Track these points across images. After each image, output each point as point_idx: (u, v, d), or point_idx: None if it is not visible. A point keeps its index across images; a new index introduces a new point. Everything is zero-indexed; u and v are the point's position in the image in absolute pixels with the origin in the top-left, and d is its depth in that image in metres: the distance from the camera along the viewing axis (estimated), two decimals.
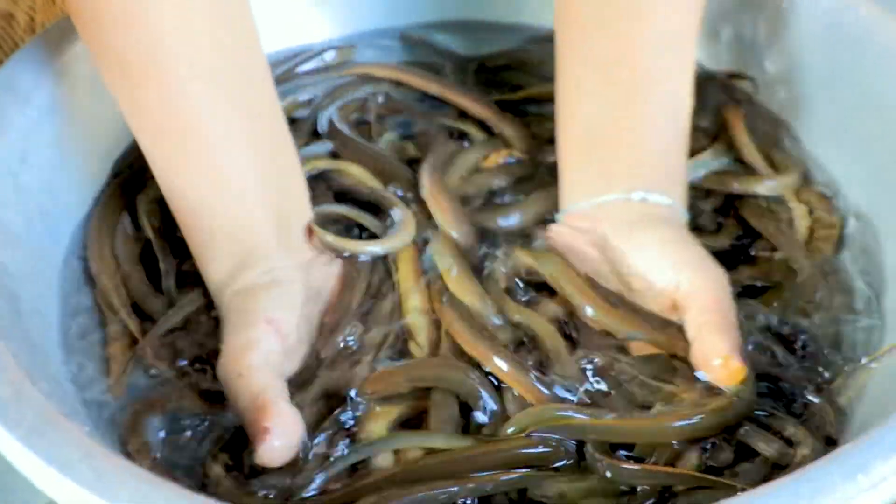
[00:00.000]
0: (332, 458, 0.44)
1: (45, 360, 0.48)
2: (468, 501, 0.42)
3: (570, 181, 0.54)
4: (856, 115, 0.60)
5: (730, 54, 0.68)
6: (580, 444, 0.44)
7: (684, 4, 0.52)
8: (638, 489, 0.43)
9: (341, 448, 0.45)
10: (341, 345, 0.49)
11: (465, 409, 0.47)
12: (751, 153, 0.60)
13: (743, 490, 0.35)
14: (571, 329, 0.50)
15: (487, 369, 0.47)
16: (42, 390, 0.41)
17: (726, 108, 0.63)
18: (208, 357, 0.50)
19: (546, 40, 0.60)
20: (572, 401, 0.46)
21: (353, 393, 0.47)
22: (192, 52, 0.48)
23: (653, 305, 0.49)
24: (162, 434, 0.48)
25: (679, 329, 0.47)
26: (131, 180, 0.61)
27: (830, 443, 0.44)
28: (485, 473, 0.43)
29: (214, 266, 0.52)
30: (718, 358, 0.45)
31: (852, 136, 0.60)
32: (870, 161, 0.59)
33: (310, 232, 0.52)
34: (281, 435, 0.43)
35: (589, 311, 0.49)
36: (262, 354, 0.46)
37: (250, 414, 0.44)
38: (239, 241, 0.51)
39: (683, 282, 0.47)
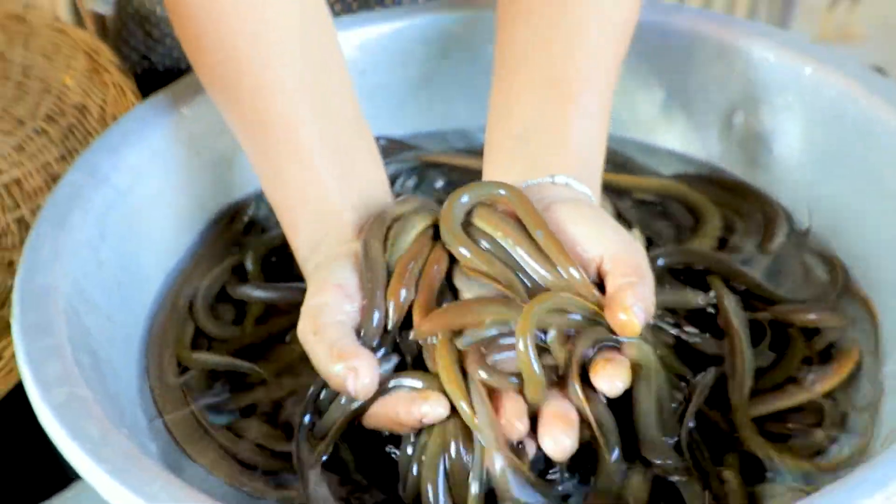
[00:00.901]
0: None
1: (123, 411, 0.53)
2: None
3: (500, 167, 0.59)
4: (857, 197, 0.65)
5: (741, 143, 0.73)
6: None
7: (613, 34, 0.61)
8: None
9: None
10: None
11: None
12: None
13: None
14: None
15: None
16: (123, 434, 0.46)
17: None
18: None
19: None
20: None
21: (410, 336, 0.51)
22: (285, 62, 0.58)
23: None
24: None
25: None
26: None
27: None
28: None
29: (301, 241, 0.58)
30: (623, 312, 0.48)
31: (854, 218, 0.65)
32: (870, 241, 0.64)
33: None
34: (366, 372, 0.47)
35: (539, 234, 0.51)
36: (333, 314, 0.50)
37: (330, 363, 0.48)
38: (322, 223, 0.57)
39: (609, 251, 0.51)
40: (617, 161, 0.74)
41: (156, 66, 0.91)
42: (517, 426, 0.46)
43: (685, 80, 0.74)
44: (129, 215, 0.63)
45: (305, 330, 0.51)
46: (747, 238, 0.68)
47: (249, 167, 0.62)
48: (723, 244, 0.68)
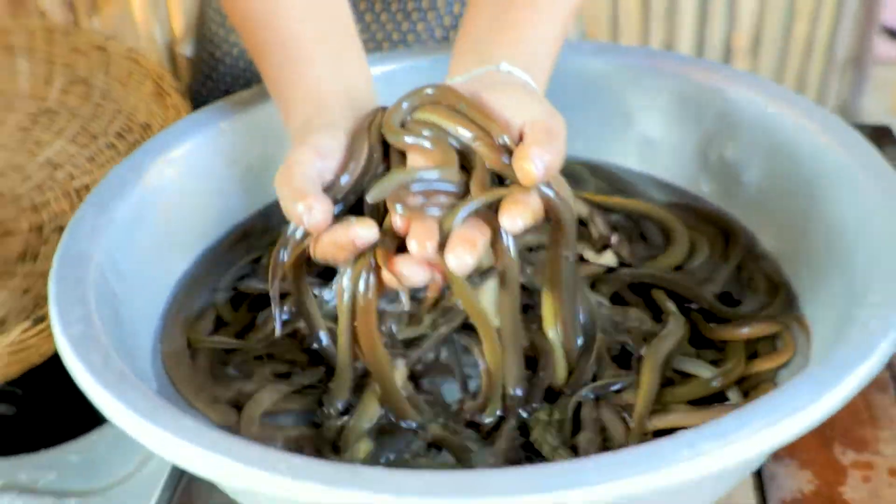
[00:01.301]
0: None
1: (133, 359, 0.63)
2: None
3: (457, 61, 0.70)
4: (805, 222, 0.72)
5: (715, 174, 0.81)
6: None
7: None
8: None
9: None
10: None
11: None
12: None
13: None
14: None
15: None
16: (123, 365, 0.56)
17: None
18: None
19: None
20: None
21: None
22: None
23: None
24: None
25: None
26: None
27: None
28: None
29: (293, 122, 0.68)
30: (525, 161, 0.55)
31: (804, 240, 0.72)
32: (813, 262, 0.70)
33: None
34: (319, 208, 0.56)
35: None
36: (302, 167, 0.59)
37: (291, 202, 0.57)
38: (313, 105, 0.67)
39: (529, 118, 0.59)
40: (616, 185, 0.83)
41: (217, 86, 1.04)
42: (428, 246, 0.54)
43: (671, 117, 0.82)
44: (164, 207, 0.74)
45: (278, 178, 0.60)
46: (710, 258, 0.75)
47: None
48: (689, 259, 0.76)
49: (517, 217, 0.54)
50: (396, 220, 0.55)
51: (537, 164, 0.54)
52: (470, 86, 0.63)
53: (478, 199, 0.55)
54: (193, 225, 0.78)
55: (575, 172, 0.83)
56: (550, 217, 0.58)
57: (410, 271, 0.54)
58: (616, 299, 0.72)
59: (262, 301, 0.73)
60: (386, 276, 0.56)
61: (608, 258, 0.76)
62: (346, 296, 0.57)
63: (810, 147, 0.71)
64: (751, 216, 0.77)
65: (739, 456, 0.44)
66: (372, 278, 0.56)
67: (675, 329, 0.67)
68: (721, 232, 0.78)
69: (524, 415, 0.62)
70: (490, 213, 0.56)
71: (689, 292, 0.71)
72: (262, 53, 0.73)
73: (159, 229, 0.74)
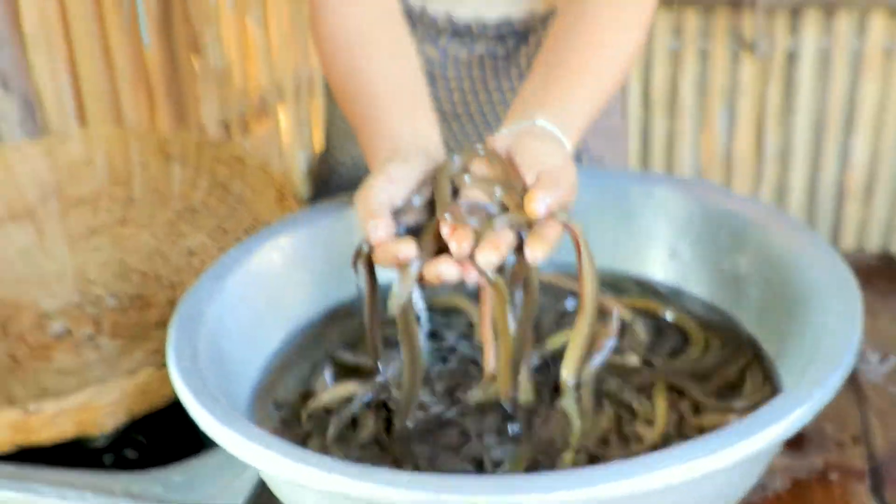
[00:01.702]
0: None
1: (234, 400, 0.80)
2: None
3: (508, 117, 0.86)
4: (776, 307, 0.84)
5: (696, 266, 0.94)
6: None
7: (615, 61, 0.91)
8: None
9: None
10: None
11: None
12: None
13: None
14: None
15: None
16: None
17: None
18: None
19: None
20: None
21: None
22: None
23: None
24: None
25: None
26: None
27: None
28: None
29: (375, 160, 0.86)
30: (530, 200, 0.71)
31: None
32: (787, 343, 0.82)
33: None
34: (383, 227, 0.74)
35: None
36: (376, 192, 0.77)
37: (363, 219, 0.75)
38: (392, 150, 0.85)
39: (544, 168, 0.75)
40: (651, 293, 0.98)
41: (332, 188, 1.25)
42: (464, 246, 0.70)
43: (694, 236, 0.96)
44: (268, 284, 0.93)
45: (357, 197, 0.78)
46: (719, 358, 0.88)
47: None
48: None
49: (537, 250, 0.71)
50: (444, 227, 0.72)
51: (540, 203, 0.71)
52: (509, 138, 0.81)
53: (506, 216, 0.74)
54: (291, 302, 0.96)
55: (618, 282, 0.98)
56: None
57: (447, 270, 0.71)
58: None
59: (349, 372, 0.89)
60: (428, 273, 0.72)
61: (633, 358, 0.89)
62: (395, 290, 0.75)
63: (798, 262, 0.84)
64: (752, 320, 0.90)
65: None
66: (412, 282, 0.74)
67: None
68: (729, 335, 0.90)
69: None
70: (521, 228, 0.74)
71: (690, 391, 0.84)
72: (350, 106, 0.93)
73: (262, 302, 0.92)
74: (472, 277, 0.72)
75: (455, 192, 0.79)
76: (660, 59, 2.84)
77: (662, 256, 0.97)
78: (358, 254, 0.78)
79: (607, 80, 0.90)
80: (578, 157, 1.15)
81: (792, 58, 2.82)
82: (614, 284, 0.97)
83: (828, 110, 2.83)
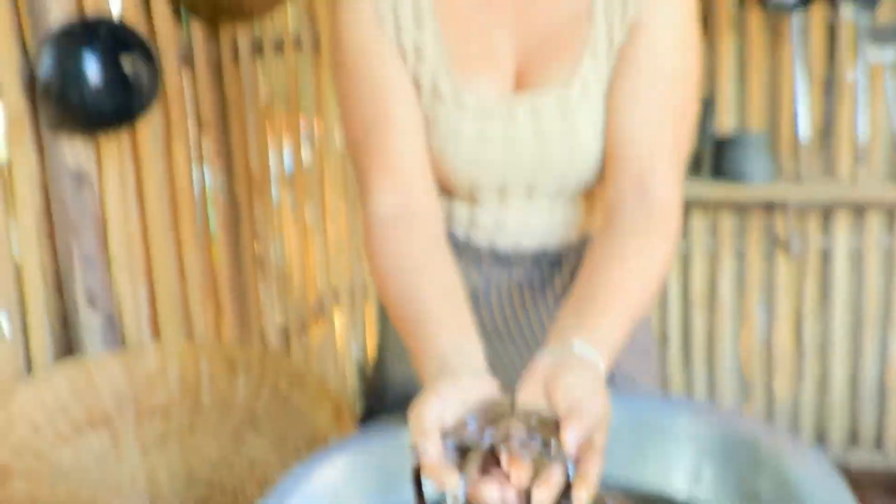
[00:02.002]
0: None
1: None
2: None
3: (547, 343, 0.92)
4: None
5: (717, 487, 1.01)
6: None
7: (641, 287, 0.99)
8: None
9: None
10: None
11: None
12: None
13: None
14: None
15: None
16: None
17: None
18: None
19: None
20: None
21: None
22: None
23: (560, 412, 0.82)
24: None
25: None
26: None
27: None
28: None
29: (426, 378, 0.91)
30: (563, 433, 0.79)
31: None
32: None
33: None
34: (432, 446, 0.81)
35: None
36: (426, 406, 0.84)
37: (415, 435, 0.82)
38: (438, 367, 0.92)
39: (580, 394, 0.83)
40: None
41: (385, 406, 1.35)
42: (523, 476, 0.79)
43: (712, 457, 1.04)
44: (327, 497, 1.02)
45: (410, 413, 0.85)
46: None
47: None
48: None
49: (581, 491, 0.78)
50: (503, 457, 0.81)
51: (570, 436, 0.79)
52: (547, 368, 0.88)
53: (553, 452, 0.81)
54: None
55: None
56: None
57: (490, 494, 0.79)
58: None
59: None
60: (472, 495, 0.80)
61: None
62: None
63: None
64: None
65: None
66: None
67: None
68: None
69: None
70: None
71: None
72: (403, 325, 1.02)
73: None
74: (511, 499, 0.81)
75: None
76: (698, 258, 2.96)
77: (686, 477, 1.05)
78: (414, 470, 0.87)
79: (637, 304, 1.00)
80: (612, 376, 1.24)
81: (826, 256, 2.93)
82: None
83: (864, 306, 2.91)
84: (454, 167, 1.11)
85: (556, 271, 1.24)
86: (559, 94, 1.07)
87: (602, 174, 1.11)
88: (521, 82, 1.09)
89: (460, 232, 1.21)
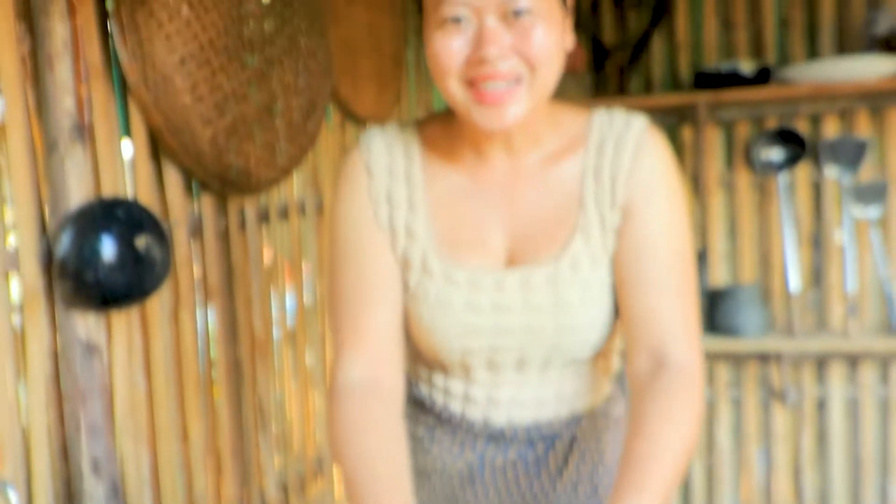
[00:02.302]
0: None
1: None
2: None
3: None
4: None
5: None
6: None
7: (673, 462, 1.01)
8: None
9: None
10: None
11: None
12: None
13: None
14: None
15: None
16: None
17: None
18: None
19: None
20: None
21: None
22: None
23: None
24: None
25: None
26: None
27: None
28: None
29: None
30: None
31: None
32: None
33: None
34: None
35: None
36: None
37: None
38: None
39: None
40: None
41: None
42: None
43: None
44: None
45: None
46: None
47: None
48: None
49: None
50: None
51: None
52: None
53: None
54: None
55: None
56: None
57: None
58: None
59: None
60: None
61: None
62: None
63: None
64: None
65: None
66: None
67: None
68: None
69: None
70: None
71: None
72: (350, 491, 1.04)
73: None
74: None
75: None
76: None
77: None
78: None
79: (672, 471, 1.02)
80: None
81: (821, 405, 2.95)
82: None
83: (861, 454, 2.92)
84: (445, 337, 1.15)
85: (550, 449, 1.27)
86: (549, 270, 1.12)
87: (588, 348, 1.16)
88: (511, 261, 1.15)
89: (455, 407, 1.25)
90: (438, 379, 1.24)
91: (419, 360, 1.26)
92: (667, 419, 1.04)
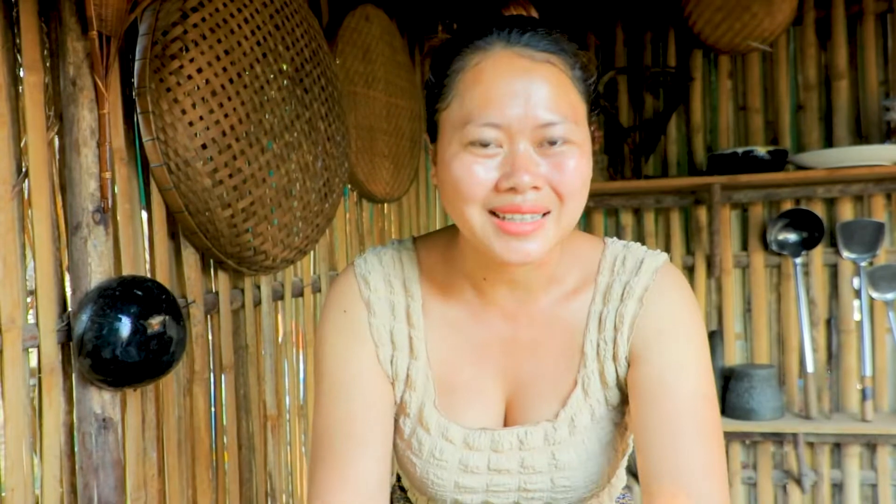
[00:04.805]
0: None
1: None
2: None
3: None
4: None
5: None
6: None
7: None
8: None
9: None
10: None
11: None
12: None
13: None
14: None
15: None
16: None
17: None
18: None
19: None
20: None
21: None
22: None
23: None
24: None
25: None
26: None
27: None
28: None
29: None
30: None
31: None
32: None
33: None
34: None
35: None
36: None
37: None
38: None
39: None
40: None
41: None
42: None
43: None
44: None
45: None
46: None
47: None
48: None
49: None
50: None
51: None
52: None
53: None
54: None
55: None
56: None
57: None
58: None
59: None
60: None
61: None
62: None
63: None
64: None
65: None
66: None
67: None
68: None
69: None
70: None
71: None
72: None
73: None
74: None
75: None
76: None
77: None
78: None
79: None
80: None
81: (839, 488, 2.92)
82: None
83: None
84: (437, 489, 1.10)
85: None
86: (546, 428, 1.06)
87: (584, 500, 1.11)
88: (509, 420, 1.09)
89: (447, 493, 1.22)
90: None
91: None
92: None
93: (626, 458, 1.15)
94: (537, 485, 1.08)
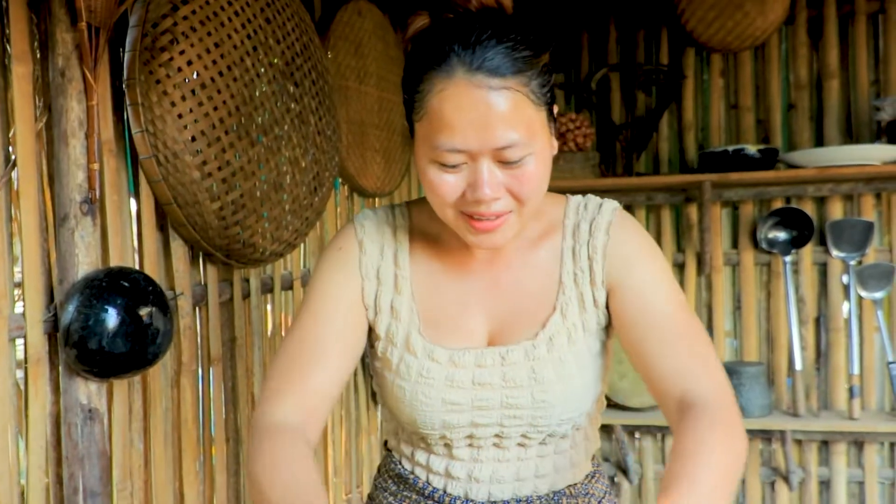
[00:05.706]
0: None
1: None
2: None
3: None
4: None
5: None
6: None
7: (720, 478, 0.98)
8: None
9: None
10: None
11: None
12: None
13: None
14: None
15: None
16: None
17: None
18: None
19: None
20: None
21: None
22: None
23: None
24: None
25: None
26: None
27: None
28: None
29: None
30: None
31: None
32: None
33: None
34: None
35: None
36: None
37: None
38: None
39: None
40: None
41: None
42: None
43: None
44: None
45: None
46: None
47: None
48: None
49: None
50: None
51: None
52: None
53: None
54: None
55: None
56: None
57: None
58: None
59: None
60: None
61: None
62: None
63: None
64: None
65: None
66: None
67: None
68: None
69: None
70: None
71: None
72: None
73: None
74: None
75: None
76: None
77: None
78: None
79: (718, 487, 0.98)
80: None
81: (826, 486, 2.94)
82: None
83: None
84: (426, 412, 1.18)
85: None
86: (526, 346, 1.17)
87: (565, 423, 1.19)
88: (492, 342, 1.20)
89: (437, 484, 1.28)
90: (421, 456, 1.27)
91: (402, 437, 1.29)
92: (704, 445, 1.01)
93: (602, 392, 1.24)
94: (518, 400, 1.16)
